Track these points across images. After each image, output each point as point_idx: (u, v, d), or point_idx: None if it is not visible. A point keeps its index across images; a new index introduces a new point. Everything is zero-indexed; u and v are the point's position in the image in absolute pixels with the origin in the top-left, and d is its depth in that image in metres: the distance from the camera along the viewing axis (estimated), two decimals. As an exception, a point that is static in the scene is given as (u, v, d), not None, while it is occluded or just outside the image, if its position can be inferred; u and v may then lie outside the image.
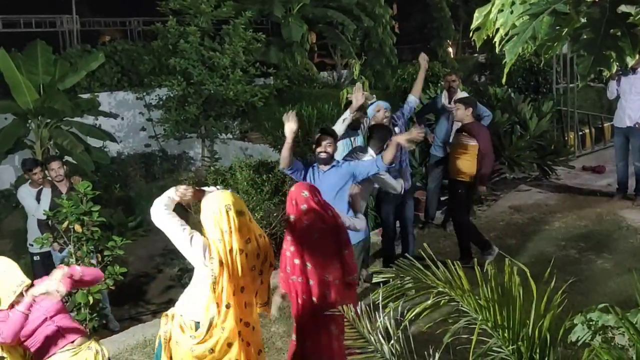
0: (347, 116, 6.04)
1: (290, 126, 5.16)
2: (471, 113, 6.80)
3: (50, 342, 3.67)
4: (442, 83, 8.60)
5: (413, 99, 6.79)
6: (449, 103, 7.71)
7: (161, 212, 3.61)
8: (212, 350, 3.59)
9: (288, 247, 4.19)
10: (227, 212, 3.57)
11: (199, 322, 3.58)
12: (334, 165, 5.33)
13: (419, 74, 6.89)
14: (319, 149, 5.32)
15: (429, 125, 8.23)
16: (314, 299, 4.13)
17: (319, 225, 4.11)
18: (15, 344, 3.54)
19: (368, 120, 6.43)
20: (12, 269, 3.64)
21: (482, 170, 6.72)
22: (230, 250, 3.56)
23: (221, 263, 3.52)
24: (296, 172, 5.32)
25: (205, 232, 3.60)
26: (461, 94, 7.78)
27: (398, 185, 6.17)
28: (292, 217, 4.13)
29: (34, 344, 3.65)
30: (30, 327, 3.59)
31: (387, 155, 5.26)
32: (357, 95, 6.04)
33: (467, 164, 6.72)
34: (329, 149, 5.30)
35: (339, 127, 5.97)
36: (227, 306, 3.58)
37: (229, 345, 3.62)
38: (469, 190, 6.91)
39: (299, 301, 4.20)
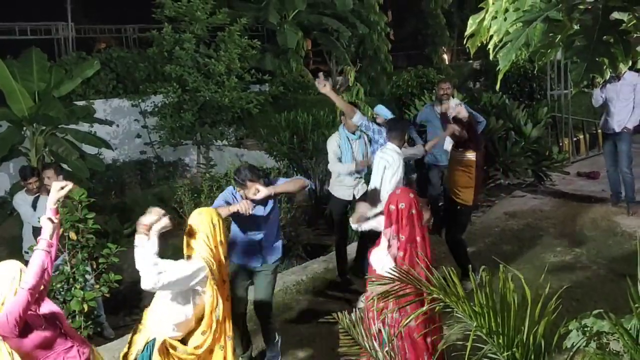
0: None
1: None
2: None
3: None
4: (435, 90, 8.60)
5: (358, 118, 6.36)
6: (442, 110, 7.72)
7: (153, 276, 3.56)
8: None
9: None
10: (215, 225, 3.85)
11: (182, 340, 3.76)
12: None
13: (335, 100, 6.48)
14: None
15: (422, 133, 8.22)
16: None
17: None
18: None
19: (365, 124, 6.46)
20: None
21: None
22: (220, 262, 3.79)
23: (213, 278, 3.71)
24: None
25: (196, 251, 3.75)
26: (453, 101, 7.78)
27: (418, 150, 6.38)
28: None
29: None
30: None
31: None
32: None
33: (467, 180, 6.49)
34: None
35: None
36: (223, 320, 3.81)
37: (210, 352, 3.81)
38: (470, 211, 6.86)
39: None
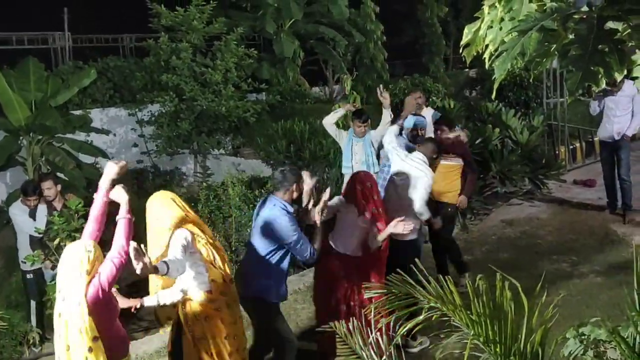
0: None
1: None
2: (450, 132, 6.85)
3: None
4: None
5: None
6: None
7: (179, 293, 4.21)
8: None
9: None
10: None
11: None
12: None
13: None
14: None
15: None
16: None
17: None
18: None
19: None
20: None
21: (468, 183, 6.76)
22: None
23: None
24: None
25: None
26: (427, 111, 7.86)
27: None
28: None
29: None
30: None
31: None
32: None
33: (454, 184, 6.71)
34: None
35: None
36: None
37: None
38: (456, 209, 6.94)
39: None
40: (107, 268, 3.47)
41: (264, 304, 4.67)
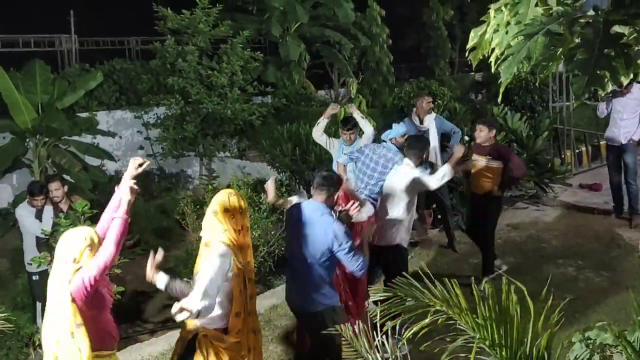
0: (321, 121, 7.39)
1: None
2: (494, 135, 6.79)
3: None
4: (413, 102, 8.46)
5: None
6: (420, 123, 7.80)
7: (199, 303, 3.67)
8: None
9: None
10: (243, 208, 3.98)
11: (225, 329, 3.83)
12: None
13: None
14: None
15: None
16: None
17: None
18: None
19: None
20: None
21: (506, 179, 6.74)
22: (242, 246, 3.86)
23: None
24: None
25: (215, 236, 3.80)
26: (430, 116, 7.82)
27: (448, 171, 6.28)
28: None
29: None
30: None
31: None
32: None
33: (491, 185, 6.70)
34: None
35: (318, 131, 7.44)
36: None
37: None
38: (499, 202, 6.95)
39: None
40: (90, 269, 3.49)
41: (333, 312, 4.47)
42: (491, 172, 6.65)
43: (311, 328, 4.56)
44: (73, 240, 3.57)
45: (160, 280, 3.76)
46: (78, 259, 3.51)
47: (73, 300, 3.45)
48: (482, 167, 6.71)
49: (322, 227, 4.36)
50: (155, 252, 3.69)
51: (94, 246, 3.59)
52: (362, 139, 7.10)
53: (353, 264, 4.41)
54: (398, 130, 6.66)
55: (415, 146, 5.86)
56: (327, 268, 4.46)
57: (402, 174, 5.75)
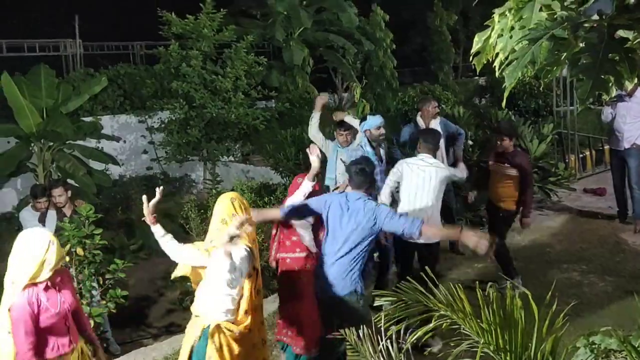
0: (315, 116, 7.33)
1: None
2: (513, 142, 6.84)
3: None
4: (419, 106, 8.39)
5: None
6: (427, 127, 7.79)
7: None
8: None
9: None
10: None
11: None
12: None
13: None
14: None
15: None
16: None
17: None
18: None
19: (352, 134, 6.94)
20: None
21: (526, 198, 6.73)
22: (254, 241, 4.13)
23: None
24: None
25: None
26: (435, 121, 7.78)
27: (462, 173, 6.32)
28: None
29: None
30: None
31: (431, 231, 5.14)
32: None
33: (509, 192, 6.71)
34: None
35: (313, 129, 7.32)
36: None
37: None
38: (510, 215, 6.92)
39: None
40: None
41: (362, 296, 4.70)
42: (509, 179, 6.68)
43: (341, 311, 4.67)
44: (34, 247, 3.71)
45: (157, 231, 4.13)
46: (35, 274, 3.60)
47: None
48: (501, 175, 6.76)
49: (373, 210, 4.61)
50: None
51: (61, 257, 3.75)
52: (356, 140, 7.07)
53: (402, 224, 4.52)
54: (374, 121, 6.75)
55: (430, 140, 6.02)
56: (365, 253, 4.69)
57: (428, 172, 5.82)
